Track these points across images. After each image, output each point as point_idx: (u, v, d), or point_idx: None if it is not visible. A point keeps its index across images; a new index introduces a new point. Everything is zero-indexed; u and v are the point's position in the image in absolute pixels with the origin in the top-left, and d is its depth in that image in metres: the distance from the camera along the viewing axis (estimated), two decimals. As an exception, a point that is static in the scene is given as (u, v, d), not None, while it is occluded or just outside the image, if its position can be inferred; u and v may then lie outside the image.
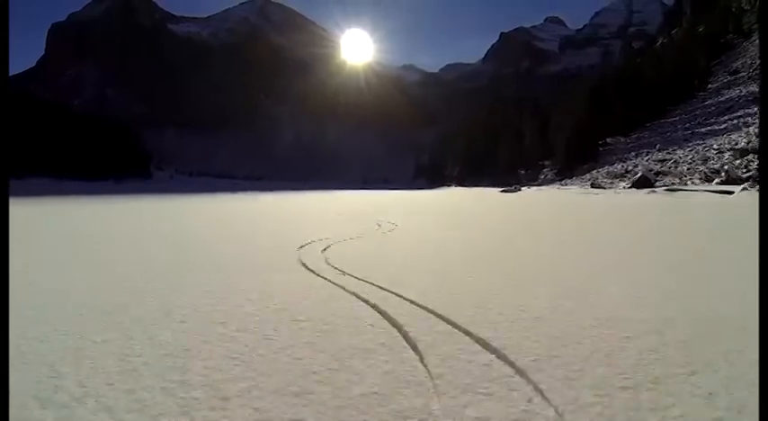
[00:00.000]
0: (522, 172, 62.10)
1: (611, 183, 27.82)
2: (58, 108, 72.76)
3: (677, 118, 44.87)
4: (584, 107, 51.62)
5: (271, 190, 42.95)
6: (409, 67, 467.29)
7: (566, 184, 36.07)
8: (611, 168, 34.71)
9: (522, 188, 36.38)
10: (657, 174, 23.65)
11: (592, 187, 25.51)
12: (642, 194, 16.30)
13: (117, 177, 65.95)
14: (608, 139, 50.27)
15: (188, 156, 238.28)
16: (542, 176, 55.14)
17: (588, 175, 36.82)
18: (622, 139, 49.57)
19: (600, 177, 32.09)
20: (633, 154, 38.22)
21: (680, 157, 28.97)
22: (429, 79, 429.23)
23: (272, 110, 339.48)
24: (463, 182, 77.08)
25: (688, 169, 24.52)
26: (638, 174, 21.93)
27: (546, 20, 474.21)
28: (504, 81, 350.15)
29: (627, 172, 29.99)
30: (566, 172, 46.43)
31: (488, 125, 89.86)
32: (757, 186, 14.20)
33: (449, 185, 78.84)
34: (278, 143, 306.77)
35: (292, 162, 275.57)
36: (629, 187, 21.30)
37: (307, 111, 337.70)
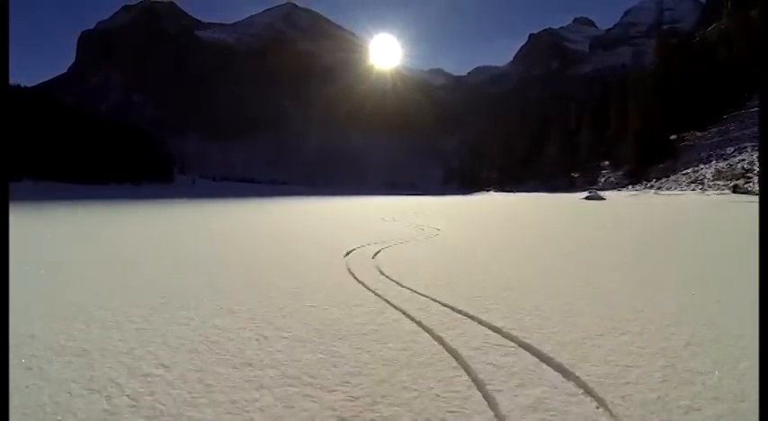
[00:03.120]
0: (576, 175, 55.30)
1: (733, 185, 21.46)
2: (81, 114, 71.54)
3: (764, 107, 38.06)
4: (649, 102, 44.97)
5: (298, 195, 38.29)
6: (436, 71, 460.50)
7: (661, 188, 29.56)
8: (714, 167, 28.13)
9: (599, 193, 30.10)
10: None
11: (735, 192, 19.00)
12: None
13: (138, 181, 65.49)
14: (683, 135, 43.62)
15: (211, 160, 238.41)
16: (602, 179, 48.48)
17: (682, 177, 30.26)
18: (698, 134, 42.95)
19: (706, 179, 25.68)
20: (731, 149, 31.51)
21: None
22: (456, 83, 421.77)
23: (296, 115, 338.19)
24: (503, 187, 70.83)
25: None
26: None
27: (574, 20, 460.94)
28: (533, 83, 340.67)
29: (747, 171, 23.58)
30: (639, 173, 39.78)
31: (528, 126, 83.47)
32: None
33: (487, 190, 72.72)
34: (302, 148, 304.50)
35: (316, 167, 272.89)
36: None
37: (331, 115, 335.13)
